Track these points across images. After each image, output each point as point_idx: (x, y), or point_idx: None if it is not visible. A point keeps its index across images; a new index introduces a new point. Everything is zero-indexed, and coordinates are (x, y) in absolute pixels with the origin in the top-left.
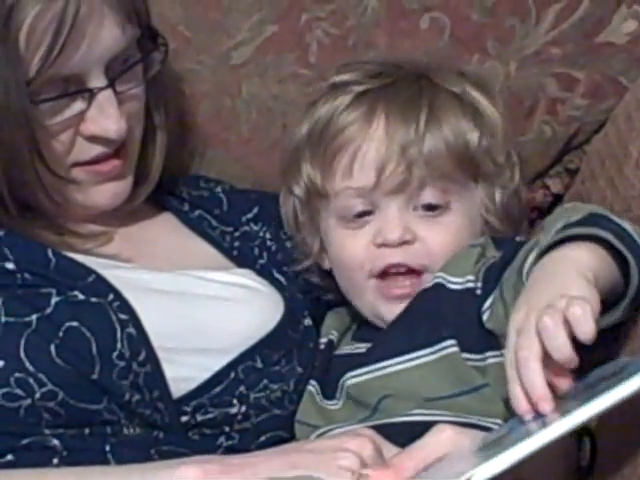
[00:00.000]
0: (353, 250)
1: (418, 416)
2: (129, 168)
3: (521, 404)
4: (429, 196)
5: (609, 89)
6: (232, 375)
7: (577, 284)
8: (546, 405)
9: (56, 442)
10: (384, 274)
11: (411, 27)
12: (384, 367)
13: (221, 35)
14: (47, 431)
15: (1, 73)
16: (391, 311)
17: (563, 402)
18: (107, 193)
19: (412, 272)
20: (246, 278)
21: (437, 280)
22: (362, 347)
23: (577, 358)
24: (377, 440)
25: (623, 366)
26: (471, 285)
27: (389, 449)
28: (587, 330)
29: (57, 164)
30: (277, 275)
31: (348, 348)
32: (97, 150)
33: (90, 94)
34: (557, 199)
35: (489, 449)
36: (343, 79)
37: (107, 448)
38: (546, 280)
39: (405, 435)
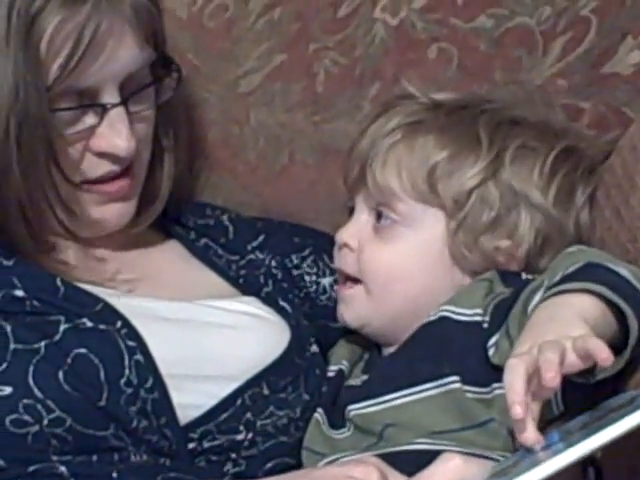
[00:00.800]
0: None
1: (423, 445)
2: (135, 190)
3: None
4: (392, 209)
5: (613, 120)
6: (239, 402)
7: (579, 326)
8: (518, 408)
9: (63, 469)
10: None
11: (419, 57)
12: (386, 400)
13: (230, 63)
14: (55, 457)
15: (22, 78)
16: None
17: (571, 433)
18: (112, 214)
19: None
20: (252, 306)
21: (443, 313)
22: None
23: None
24: (382, 468)
25: (631, 399)
26: (479, 318)
27: (395, 477)
28: (605, 357)
29: (71, 175)
30: (282, 303)
31: (357, 380)
32: (105, 168)
33: (103, 109)
34: None
35: (496, 478)
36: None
37: (114, 475)
38: (548, 321)
39: (411, 464)
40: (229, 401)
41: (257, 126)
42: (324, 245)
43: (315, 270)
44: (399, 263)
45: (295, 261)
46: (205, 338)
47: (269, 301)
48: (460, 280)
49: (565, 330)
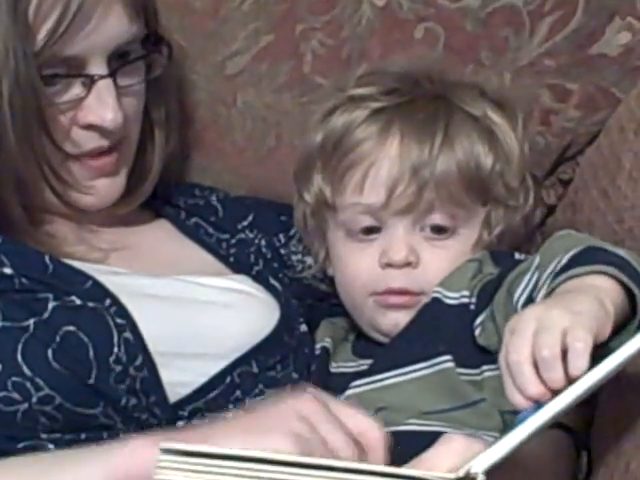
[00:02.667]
0: (357, 269)
1: (414, 426)
2: (122, 166)
3: (515, 396)
4: (437, 218)
5: (602, 101)
6: (228, 380)
7: (588, 301)
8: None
9: (52, 447)
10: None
11: (405, 37)
12: (382, 379)
13: (217, 44)
14: (44, 435)
15: (10, 44)
16: (388, 322)
17: None
18: (100, 189)
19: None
20: (242, 284)
21: (435, 295)
22: (366, 364)
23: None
24: (320, 396)
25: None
26: (465, 300)
27: (336, 403)
28: (579, 366)
29: (62, 146)
30: (273, 281)
31: (352, 365)
32: (93, 143)
33: (90, 80)
34: (551, 210)
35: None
36: (360, 93)
37: None
38: (556, 297)
39: (402, 445)
40: (218, 379)
41: (244, 108)
42: None
43: (301, 249)
44: (459, 262)
45: (282, 240)
46: (195, 316)
47: (259, 279)
48: None
49: (570, 305)
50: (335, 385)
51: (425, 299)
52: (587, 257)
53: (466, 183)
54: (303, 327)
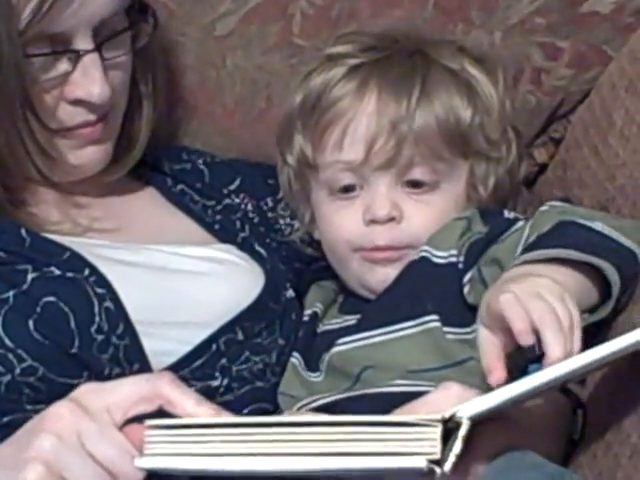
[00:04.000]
0: (341, 227)
1: (401, 387)
2: (109, 133)
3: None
4: (418, 173)
5: (593, 58)
6: (213, 348)
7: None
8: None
9: None
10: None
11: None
12: (369, 337)
13: (205, 6)
14: (29, 407)
15: None
16: (376, 277)
17: None
18: (88, 157)
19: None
20: (226, 253)
21: (423, 253)
22: (352, 319)
23: None
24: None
25: None
26: (454, 260)
27: (186, 393)
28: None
29: (47, 122)
30: (258, 248)
31: (336, 322)
32: (80, 117)
33: (76, 56)
34: (542, 168)
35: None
36: (338, 51)
37: None
38: (522, 275)
39: (388, 405)
40: (203, 347)
41: (234, 70)
42: None
43: (288, 212)
44: (445, 217)
45: (270, 203)
46: (176, 284)
47: (245, 247)
48: None
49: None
50: (319, 344)
51: (413, 252)
52: (551, 237)
53: (446, 137)
54: (290, 293)
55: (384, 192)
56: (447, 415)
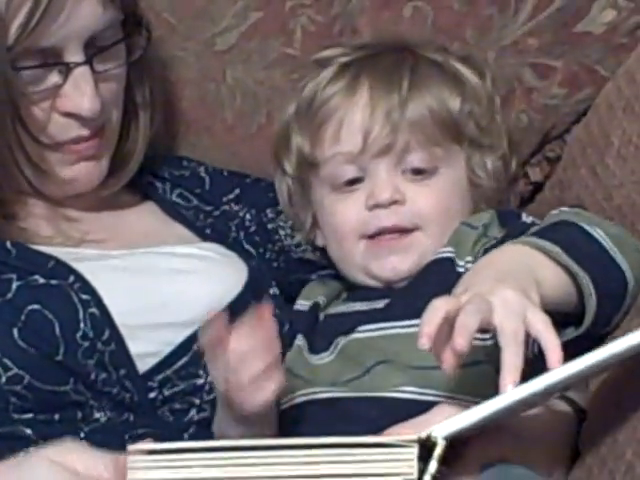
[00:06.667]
0: (345, 216)
1: (406, 394)
2: (104, 149)
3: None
4: (416, 160)
5: (586, 78)
6: (195, 347)
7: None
8: (425, 339)
9: (29, 431)
10: (374, 236)
11: (395, 16)
12: (393, 327)
13: (205, 21)
14: (15, 416)
15: None
16: (382, 266)
17: None
18: (82, 173)
19: (403, 231)
20: (209, 250)
21: (449, 255)
22: (376, 304)
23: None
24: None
25: None
26: (470, 266)
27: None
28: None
29: (39, 136)
30: (247, 247)
31: (350, 306)
32: (74, 132)
33: (67, 68)
34: (538, 187)
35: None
36: (326, 54)
37: (82, 436)
38: (486, 268)
39: (388, 411)
40: (185, 346)
41: (234, 84)
42: None
43: (289, 224)
44: (449, 200)
45: (270, 215)
46: (159, 285)
47: (233, 245)
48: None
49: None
50: (336, 325)
51: (421, 236)
52: (545, 231)
53: (439, 124)
54: (274, 290)
55: (385, 177)
56: (423, 435)
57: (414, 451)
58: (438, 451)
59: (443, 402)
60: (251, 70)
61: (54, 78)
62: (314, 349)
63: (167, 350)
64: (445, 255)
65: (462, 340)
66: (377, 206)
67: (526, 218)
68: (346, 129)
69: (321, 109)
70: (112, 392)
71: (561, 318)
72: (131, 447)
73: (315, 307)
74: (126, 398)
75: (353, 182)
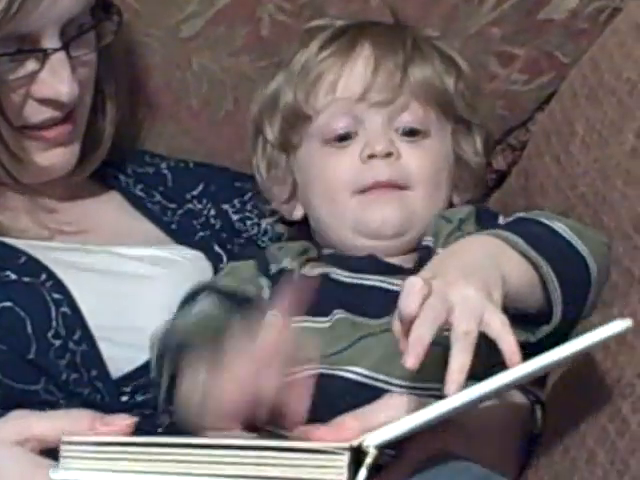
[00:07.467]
0: (338, 169)
1: (370, 380)
2: (75, 135)
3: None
4: (412, 118)
5: (545, 64)
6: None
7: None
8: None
9: None
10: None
11: (361, 6)
12: None
13: (171, 7)
14: None
15: None
16: (375, 217)
17: None
18: (55, 159)
19: (396, 187)
20: (181, 255)
21: (429, 244)
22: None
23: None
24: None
25: None
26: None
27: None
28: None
29: (13, 120)
30: (217, 249)
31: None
32: (47, 114)
33: (44, 55)
34: (502, 176)
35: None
36: (318, 24)
37: None
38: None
39: (350, 395)
40: None
41: (200, 71)
42: None
43: (256, 212)
44: (438, 165)
45: (237, 205)
46: (133, 289)
47: (202, 246)
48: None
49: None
50: (332, 295)
51: (411, 194)
52: (505, 226)
53: (434, 94)
54: None
55: (380, 130)
56: (355, 444)
57: (345, 459)
58: (369, 460)
59: (393, 393)
60: (217, 57)
61: (31, 64)
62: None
63: (142, 358)
64: (426, 244)
65: (414, 360)
66: (373, 156)
67: (502, 220)
68: (345, 78)
69: (320, 64)
70: (83, 393)
71: (534, 318)
72: (65, 437)
73: (280, 272)
74: (97, 399)
75: (345, 138)
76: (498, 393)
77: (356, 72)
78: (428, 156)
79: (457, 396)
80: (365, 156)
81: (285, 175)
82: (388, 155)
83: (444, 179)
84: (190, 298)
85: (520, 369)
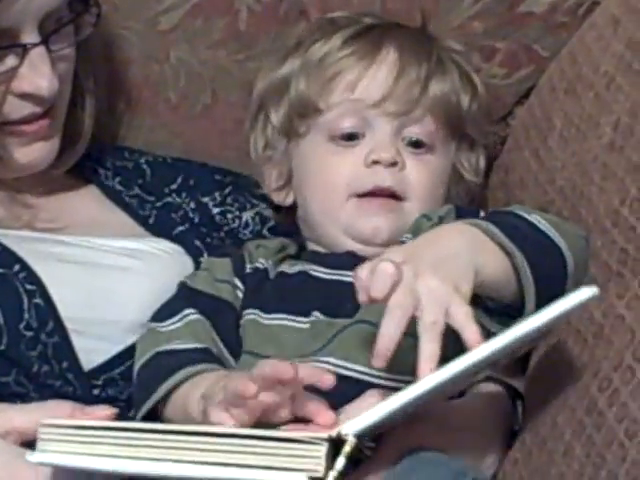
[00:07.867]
0: (340, 169)
1: (343, 369)
2: (56, 129)
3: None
4: (421, 131)
5: (524, 58)
6: None
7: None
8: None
9: None
10: (364, 195)
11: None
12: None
13: (149, 0)
14: None
15: None
16: (368, 225)
17: None
18: (35, 153)
19: (393, 198)
20: (158, 248)
21: (406, 240)
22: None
23: None
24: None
25: None
26: None
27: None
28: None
29: None
30: (196, 242)
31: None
32: (27, 110)
33: (23, 50)
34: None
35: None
36: (340, 15)
37: None
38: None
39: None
40: (131, 349)
41: (178, 64)
42: (244, 182)
43: (237, 205)
44: (437, 181)
45: (218, 198)
46: (106, 282)
47: (181, 240)
48: None
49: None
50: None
51: (407, 206)
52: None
53: (448, 111)
54: None
55: (389, 138)
56: (333, 434)
57: (323, 449)
58: (347, 448)
59: (372, 389)
60: (195, 50)
61: (10, 60)
62: (282, 309)
63: (115, 350)
64: (403, 240)
65: (382, 362)
66: (378, 163)
67: (483, 214)
68: (366, 81)
69: (341, 61)
70: (54, 385)
71: (513, 311)
72: (44, 420)
73: (256, 271)
74: (69, 392)
75: (351, 137)
76: (470, 375)
77: (379, 77)
78: (430, 171)
79: (428, 378)
80: (370, 161)
81: (282, 159)
82: (393, 164)
83: (441, 194)
84: (166, 315)
85: (488, 346)
